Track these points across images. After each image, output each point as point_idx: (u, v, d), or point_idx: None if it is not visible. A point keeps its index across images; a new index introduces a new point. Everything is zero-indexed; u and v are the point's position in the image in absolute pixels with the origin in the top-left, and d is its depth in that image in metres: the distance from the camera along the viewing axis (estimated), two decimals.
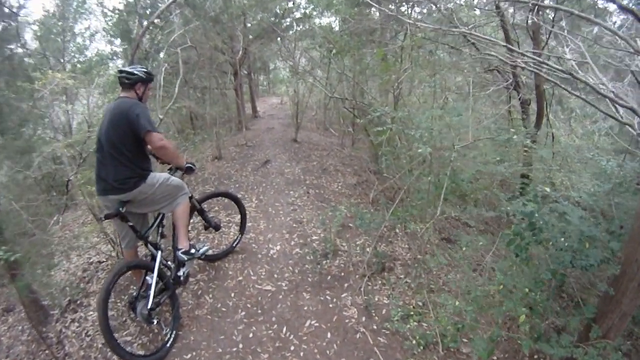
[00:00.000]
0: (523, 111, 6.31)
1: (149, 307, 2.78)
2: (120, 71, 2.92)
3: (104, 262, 4.52)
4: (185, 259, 3.13)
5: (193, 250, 3.20)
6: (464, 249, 3.03)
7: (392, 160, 5.25)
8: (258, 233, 4.55)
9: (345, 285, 3.66)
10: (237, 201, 4.20)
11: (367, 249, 4.13)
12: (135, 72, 2.87)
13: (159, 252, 3.01)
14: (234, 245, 4.13)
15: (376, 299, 3.50)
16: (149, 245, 3.05)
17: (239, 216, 4.25)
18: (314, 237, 4.42)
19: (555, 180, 5.60)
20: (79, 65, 9.63)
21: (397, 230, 4.69)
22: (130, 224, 2.87)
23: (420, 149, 3.16)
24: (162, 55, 5.55)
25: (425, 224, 3.58)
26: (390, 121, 5.63)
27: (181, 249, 3.11)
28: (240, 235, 4.18)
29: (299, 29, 11.01)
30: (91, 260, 4.63)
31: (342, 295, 3.53)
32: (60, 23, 10.14)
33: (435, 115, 3.69)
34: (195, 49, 7.03)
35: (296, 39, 9.77)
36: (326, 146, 8.60)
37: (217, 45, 8.04)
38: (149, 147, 2.81)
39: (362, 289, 3.56)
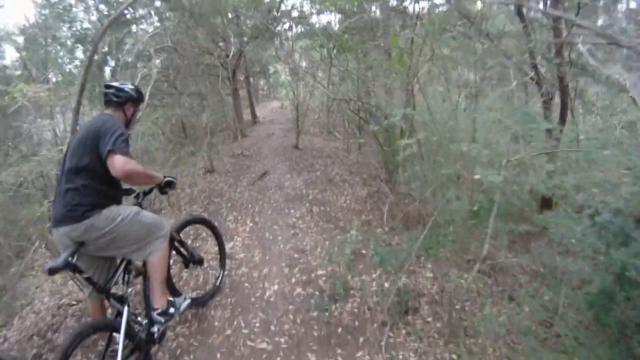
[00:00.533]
0: (545, 107, 5.57)
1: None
2: (108, 86, 2.46)
3: (74, 304, 3.80)
4: (163, 320, 2.44)
5: (172, 310, 2.49)
6: (526, 309, 2.24)
7: (413, 173, 4.48)
8: (252, 267, 3.78)
9: (361, 339, 2.87)
10: (214, 229, 3.47)
11: (386, 284, 3.36)
12: (126, 89, 2.46)
13: (126, 308, 2.27)
14: (218, 284, 3.38)
15: (400, 357, 2.72)
16: (111, 300, 2.29)
17: (217, 248, 3.53)
18: (320, 272, 3.63)
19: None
20: (59, 78, 8.92)
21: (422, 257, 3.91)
22: (86, 275, 2.15)
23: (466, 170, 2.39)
24: (130, 59, 4.83)
25: (469, 273, 2.77)
26: (404, 124, 4.92)
27: (157, 309, 2.43)
28: (221, 271, 3.43)
29: (296, 30, 10.31)
30: (61, 302, 3.91)
31: (358, 355, 2.75)
32: (41, 32, 9.47)
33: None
34: (177, 51, 6.29)
35: (294, 39, 9.04)
36: (330, 152, 7.84)
37: (203, 46, 7.31)
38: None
39: (382, 345, 2.78)
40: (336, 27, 9.38)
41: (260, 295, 3.35)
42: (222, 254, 3.47)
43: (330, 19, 10.01)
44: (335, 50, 7.48)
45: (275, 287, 3.45)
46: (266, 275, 3.63)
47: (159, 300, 2.43)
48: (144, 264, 2.46)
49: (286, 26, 10.31)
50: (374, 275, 3.58)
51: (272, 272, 3.67)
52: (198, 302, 3.17)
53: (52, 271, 2.00)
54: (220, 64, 9.46)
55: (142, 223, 2.32)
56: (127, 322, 2.22)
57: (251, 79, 12.32)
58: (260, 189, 5.72)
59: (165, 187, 2.62)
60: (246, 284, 3.51)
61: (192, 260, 3.07)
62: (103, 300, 2.40)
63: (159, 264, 2.40)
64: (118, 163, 2.03)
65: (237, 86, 10.25)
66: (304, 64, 11.14)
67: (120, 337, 2.16)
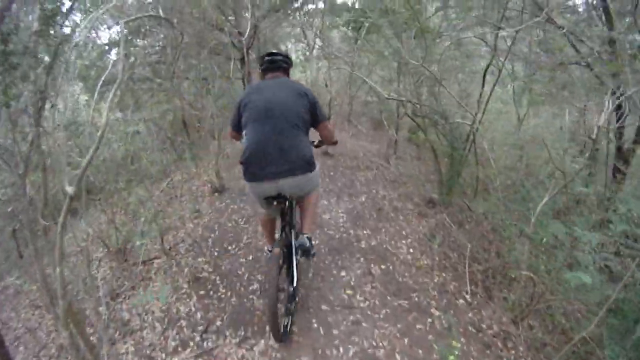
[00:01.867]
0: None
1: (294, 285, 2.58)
2: (277, 53, 2.67)
3: None
4: (308, 243, 2.51)
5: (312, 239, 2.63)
6: None
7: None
8: None
9: None
10: None
11: None
12: (290, 56, 2.75)
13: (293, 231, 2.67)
14: None
15: None
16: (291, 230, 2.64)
17: None
18: None
19: None
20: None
21: None
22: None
23: None
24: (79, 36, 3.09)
25: None
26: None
27: (306, 234, 2.56)
28: None
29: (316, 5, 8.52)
30: None
31: None
32: None
33: None
34: (169, 23, 4.62)
35: (323, 13, 7.29)
36: (366, 158, 6.25)
37: (211, 19, 5.65)
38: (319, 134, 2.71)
39: None
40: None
41: None
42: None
43: None
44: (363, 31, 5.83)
45: None
46: None
47: (310, 227, 2.62)
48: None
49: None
50: None
51: None
52: None
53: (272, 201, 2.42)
54: (232, 42, 7.72)
55: (317, 172, 2.57)
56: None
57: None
58: None
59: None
60: None
61: None
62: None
63: (317, 200, 2.74)
64: (331, 127, 2.73)
65: (250, 69, 8.52)
66: (318, 44, 9.44)
67: (293, 248, 2.54)
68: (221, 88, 8.89)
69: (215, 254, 3.81)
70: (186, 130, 6.76)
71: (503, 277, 3.54)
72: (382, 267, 3.55)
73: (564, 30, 3.98)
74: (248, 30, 7.87)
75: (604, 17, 4.34)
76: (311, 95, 2.44)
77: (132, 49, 7.25)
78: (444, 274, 3.59)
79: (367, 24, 6.07)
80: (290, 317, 2.58)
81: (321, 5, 8.46)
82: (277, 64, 2.61)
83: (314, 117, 2.46)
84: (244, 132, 2.38)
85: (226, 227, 4.19)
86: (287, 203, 2.49)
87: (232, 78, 8.05)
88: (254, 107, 2.34)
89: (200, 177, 5.56)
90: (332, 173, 5.34)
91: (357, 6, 8.05)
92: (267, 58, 2.63)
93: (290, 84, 2.47)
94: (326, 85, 6.11)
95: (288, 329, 2.55)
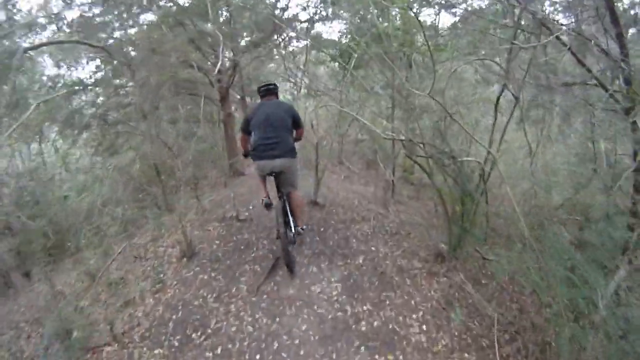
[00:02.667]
0: None
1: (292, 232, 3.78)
2: (270, 84, 3.97)
3: None
4: (300, 231, 3.90)
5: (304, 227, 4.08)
6: None
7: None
8: None
9: None
10: None
11: None
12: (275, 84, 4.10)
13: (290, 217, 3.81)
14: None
15: None
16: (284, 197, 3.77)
17: None
18: None
19: None
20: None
21: None
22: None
23: None
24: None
25: None
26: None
27: (299, 226, 3.87)
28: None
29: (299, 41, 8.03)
30: None
31: None
32: None
33: None
34: (126, 64, 4.02)
35: (307, 49, 6.76)
36: (361, 207, 5.51)
37: (181, 54, 5.06)
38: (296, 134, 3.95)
39: None
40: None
41: None
42: None
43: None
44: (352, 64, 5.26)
45: None
46: None
47: (301, 222, 3.91)
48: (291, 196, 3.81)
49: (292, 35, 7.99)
50: None
51: None
52: None
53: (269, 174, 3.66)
54: (210, 82, 7.13)
55: (298, 171, 3.93)
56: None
57: (247, 99, 10.00)
58: (271, 302, 3.34)
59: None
60: None
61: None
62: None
63: (301, 200, 3.95)
64: (303, 133, 4.05)
65: (230, 109, 7.89)
66: (305, 82, 8.93)
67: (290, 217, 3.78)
68: (205, 132, 8.26)
69: (176, 343, 2.98)
70: (159, 179, 6.01)
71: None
72: (390, 358, 2.75)
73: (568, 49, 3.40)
74: (218, 67, 7.32)
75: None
76: (293, 110, 3.77)
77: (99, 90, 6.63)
78: (466, 355, 2.82)
79: (355, 55, 5.50)
80: (288, 258, 3.58)
81: (305, 42, 7.99)
82: (271, 90, 3.89)
83: (295, 124, 3.77)
84: (252, 134, 3.64)
85: (192, 306, 3.36)
86: (280, 181, 3.68)
87: (211, 121, 7.46)
88: (259, 118, 3.58)
89: (171, 234, 4.76)
90: (322, 229, 4.56)
91: (344, 40, 7.57)
92: (263, 88, 3.89)
93: (281, 104, 3.85)
94: (312, 126, 5.45)
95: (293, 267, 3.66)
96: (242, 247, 4.20)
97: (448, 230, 4.25)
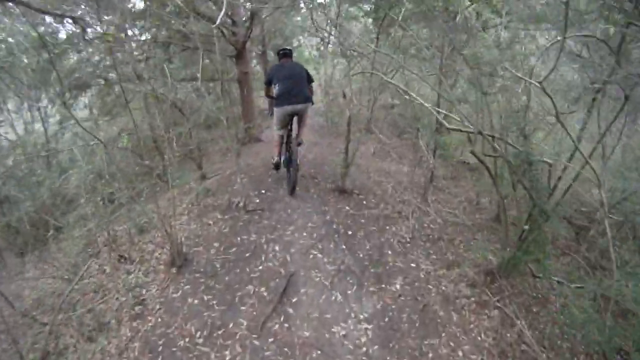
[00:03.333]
0: None
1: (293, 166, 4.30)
2: (286, 48, 4.60)
3: None
4: (300, 149, 4.64)
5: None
6: None
7: None
8: None
9: None
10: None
11: None
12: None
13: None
14: None
15: None
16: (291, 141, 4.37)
17: None
18: None
19: None
20: None
21: None
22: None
23: None
24: None
25: None
26: None
27: (300, 141, 4.60)
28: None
29: None
30: None
31: None
32: None
33: None
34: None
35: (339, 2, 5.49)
36: (396, 196, 4.56)
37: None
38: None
39: None
40: None
41: None
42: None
43: None
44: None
45: None
46: None
47: (302, 135, 4.62)
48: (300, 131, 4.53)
49: None
50: None
51: None
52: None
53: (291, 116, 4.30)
54: (223, 34, 6.01)
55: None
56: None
57: (270, 54, 8.81)
58: (279, 349, 2.48)
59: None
60: None
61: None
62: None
63: (307, 117, 4.54)
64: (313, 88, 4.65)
65: (247, 68, 6.78)
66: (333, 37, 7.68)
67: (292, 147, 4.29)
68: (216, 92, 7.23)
69: None
70: (159, 151, 5.11)
71: None
72: None
73: None
74: (244, 20, 6.18)
75: None
76: (306, 70, 4.45)
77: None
78: None
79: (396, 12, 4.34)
80: (294, 181, 4.27)
81: None
82: (288, 54, 4.57)
83: (309, 79, 4.45)
84: (274, 86, 4.27)
85: (176, 348, 2.54)
86: (293, 121, 4.35)
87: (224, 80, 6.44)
88: (281, 74, 4.27)
89: (153, 240, 3.89)
90: (350, 232, 3.62)
91: None
92: (282, 51, 4.59)
93: (297, 64, 4.51)
94: (344, 96, 4.50)
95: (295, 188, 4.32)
96: (247, 255, 3.31)
97: (502, 242, 3.32)
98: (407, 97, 3.45)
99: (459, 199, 5.18)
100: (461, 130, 3.09)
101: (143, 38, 6.30)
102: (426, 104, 3.04)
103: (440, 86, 4.31)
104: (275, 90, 4.29)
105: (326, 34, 7.55)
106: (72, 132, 6.64)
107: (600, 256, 3.94)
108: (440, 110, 2.95)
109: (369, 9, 6.90)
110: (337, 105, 8.19)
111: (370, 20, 7.50)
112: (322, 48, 8.94)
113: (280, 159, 4.55)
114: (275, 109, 4.31)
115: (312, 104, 4.46)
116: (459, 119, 3.32)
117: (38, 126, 7.26)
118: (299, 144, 4.55)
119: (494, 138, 3.01)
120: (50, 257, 4.31)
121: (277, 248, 3.38)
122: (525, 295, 3.38)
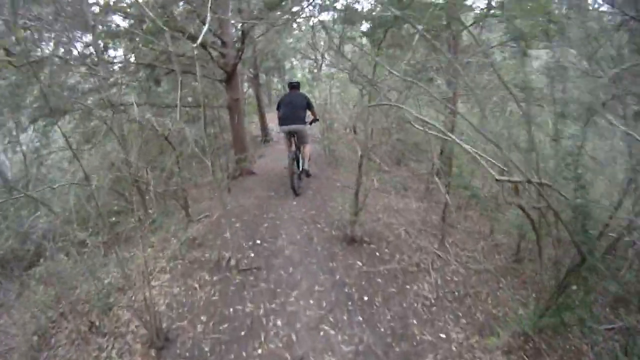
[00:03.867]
0: None
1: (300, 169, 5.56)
2: (295, 82, 5.77)
3: None
4: (308, 171, 5.72)
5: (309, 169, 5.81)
6: None
7: None
8: None
9: None
10: None
11: None
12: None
13: (301, 158, 5.52)
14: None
15: None
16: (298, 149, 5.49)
17: None
18: None
19: None
20: None
21: None
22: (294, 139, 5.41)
23: None
24: None
25: None
26: None
27: (305, 168, 5.60)
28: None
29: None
30: None
31: None
32: None
33: None
34: None
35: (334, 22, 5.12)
36: (409, 242, 4.01)
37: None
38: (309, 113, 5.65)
39: None
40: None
41: None
42: None
43: None
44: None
45: None
46: None
47: (307, 163, 5.61)
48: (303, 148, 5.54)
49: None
50: None
51: None
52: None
53: (288, 134, 5.38)
54: (211, 56, 5.49)
55: (308, 133, 5.58)
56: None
57: (263, 77, 8.30)
58: None
59: (314, 121, 5.99)
60: None
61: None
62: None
63: (309, 149, 5.68)
64: (314, 113, 5.83)
65: (238, 94, 6.24)
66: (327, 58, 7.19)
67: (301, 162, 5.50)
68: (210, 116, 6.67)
69: None
70: (138, 190, 4.49)
71: None
72: None
73: None
74: (234, 40, 5.65)
75: None
76: (308, 98, 5.61)
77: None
78: None
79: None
80: (300, 183, 5.45)
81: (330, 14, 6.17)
82: (295, 86, 5.64)
83: (309, 106, 5.54)
84: (279, 110, 5.36)
85: None
86: (296, 138, 5.39)
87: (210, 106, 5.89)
88: (285, 101, 5.37)
89: (143, 287, 3.26)
90: (365, 297, 3.03)
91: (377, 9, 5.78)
92: (290, 84, 5.73)
93: (300, 94, 5.52)
94: (354, 131, 3.96)
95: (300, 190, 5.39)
96: (242, 334, 2.68)
97: (536, 302, 2.80)
98: (431, 131, 2.93)
99: (474, 236, 4.66)
100: (509, 181, 2.54)
101: (124, 60, 5.78)
102: (465, 146, 2.48)
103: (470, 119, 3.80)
104: (279, 113, 5.41)
105: (319, 57, 7.16)
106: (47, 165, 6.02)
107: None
108: (483, 155, 2.41)
109: (365, 30, 6.47)
110: (333, 132, 7.70)
111: (364, 40, 7.09)
112: (315, 70, 8.50)
113: (294, 153, 5.35)
114: (279, 127, 5.50)
115: (309, 124, 5.70)
116: (493, 160, 2.80)
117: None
118: (308, 175, 5.80)
119: (542, 186, 2.49)
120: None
121: (279, 323, 2.76)
122: (560, 351, 2.84)
